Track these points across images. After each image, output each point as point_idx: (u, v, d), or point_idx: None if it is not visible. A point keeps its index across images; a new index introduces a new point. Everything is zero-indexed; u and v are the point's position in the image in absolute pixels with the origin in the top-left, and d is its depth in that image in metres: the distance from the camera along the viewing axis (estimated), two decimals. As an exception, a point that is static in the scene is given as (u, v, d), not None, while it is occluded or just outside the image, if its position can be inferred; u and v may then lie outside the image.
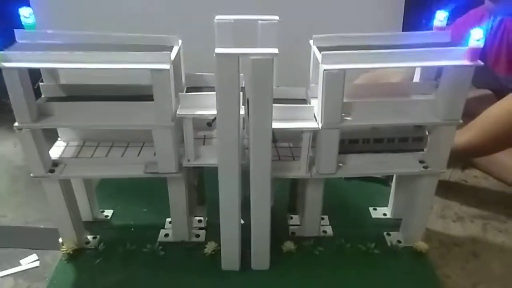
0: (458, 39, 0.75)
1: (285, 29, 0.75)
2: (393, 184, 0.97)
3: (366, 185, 1.08)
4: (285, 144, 0.85)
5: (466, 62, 0.69)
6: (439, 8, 0.79)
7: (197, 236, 0.92)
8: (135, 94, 0.78)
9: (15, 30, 0.74)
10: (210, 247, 0.87)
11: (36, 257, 0.89)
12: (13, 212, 1.02)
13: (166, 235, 0.92)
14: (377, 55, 0.70)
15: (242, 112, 0.69)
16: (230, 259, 0.83)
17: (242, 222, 0.80)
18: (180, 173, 0.80)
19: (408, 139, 0.83)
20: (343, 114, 0.74)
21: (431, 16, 0.80)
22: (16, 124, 0.72)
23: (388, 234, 0.92)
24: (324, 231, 0.93)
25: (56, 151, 0.83)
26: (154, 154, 0.79)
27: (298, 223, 0.95)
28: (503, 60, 1.09)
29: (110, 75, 0.77)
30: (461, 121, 0.75)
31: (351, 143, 0.82)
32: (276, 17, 0.74)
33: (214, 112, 0.68)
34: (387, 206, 1.00)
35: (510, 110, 0.97)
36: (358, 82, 1.11)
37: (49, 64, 0.71)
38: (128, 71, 0.68)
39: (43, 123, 0.74)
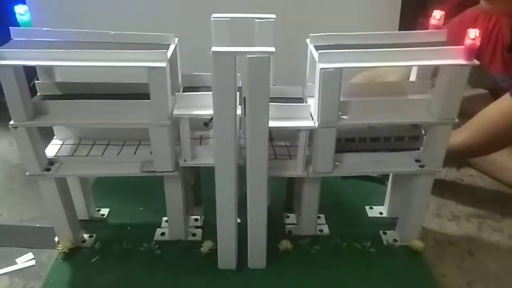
0: (454, 38, 0.75)
1: (282, 28, 0.75)
2: (389, 183, 0.97)
3: (363, 184, 1.08)
4: (282, 143, 0.85)
5: (462, 62, 0.70)
6: (436, 8, 0.79)
7: (194, 235, 0.92)
8: (132, 92, 0.78)
9: (10, 27, 0.74)
10: (206, 246, 0.87)
11: (32, 256, 0.88)
12: (8, 210, 1.02)
13: (163, 233, 0.92)
14: (374, 54, 0.70)
15: (238, 112, 0.69)
16: (226, 258, 0.83)
17: (239, 221, 0.80)
18: (177, 172, 0.80)
19: (404, 138, 0.83)
20: (339, 113, 0.74)
21: (427, 16, 0.80)
22: (11, 122, 0.72)
23: (384, 233, 0.93)
24: (321, 230, 0.93)
25: (52, 149, 0.83)
26: (151, 152, 0.78)
27: (295, 222, 0.95)
28: (498, 59, 1.09)
29: (106, 73, 0.77)
30: (457, 120, 0.76)
31: (348, 142, 0.82)
32: (273, 16, 0.74)
33: (210, 112, 0.68)
34: (383, 205, 1.00)
35: (506, 111, 0.97)
36: (354, 81, 1.12)
37: (44, 62, 0.71)
38: (124, 69, 0.68)
39: (39, 121, 0.73)
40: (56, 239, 0.87)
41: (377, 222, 0.97)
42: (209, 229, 0.88)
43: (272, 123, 0.69)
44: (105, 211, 0.98)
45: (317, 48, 0.73)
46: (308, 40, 0.78)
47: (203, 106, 0.73)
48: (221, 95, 0.65)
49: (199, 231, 0.92)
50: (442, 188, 1.09)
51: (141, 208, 1.00)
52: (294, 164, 0.80)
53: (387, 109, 0.77)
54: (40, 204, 0.95)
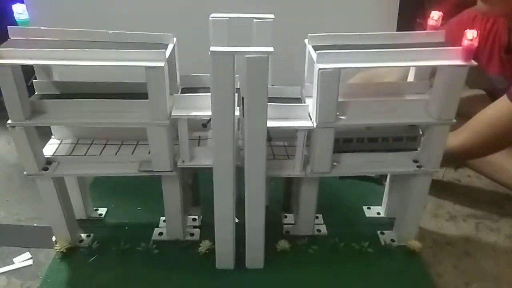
0: (452, 39, 0.75)
1: (280, 28, 0.75)
2: (387, 183, 0.97)
3: (360, 184, 1.08)
4: (280, 143, 0.85)
5: (460, 62, 0.70)
6: (433, 8, 0.79)
7: (192, 234, 0.91)
8: (130, 91, 0.78)
9: (8, 26, 0.74)
10: (204, 246, 0.87)
11: (29, 256, 0.88)
12: (6, 210, 1.01)
13: (160, 233, 0.92)
14: (372, 55, 0.70)
15: (237, 113, 0.69)
16: (224, 257, 0.83)
17: (237, 221, 0.80)
18: (175, 172, 0.80)
19: (402, 139, 0.83)
20: (337, 113, 0.74)
21: (425, 16, 0.80)
22: (9, 121, 0.72)
23: (382, 233, 0.93)
24: (318, 230, 0.93)
25: (49, 149, 0.83)
26: (149, 152, 0.78)
27: (293, 222, 0.95)
28: (495, 60, 1.10)
29: (104, 73, 0.77)
30: (454, 121, 0.76)
31: (346, 142, 0.82)
32: (272, 16, 0.74)
33: (209, 113, 0.68)
34: (381, 205, 1.00)
35: (504, 113, 0.97)
36: (352, 81, 1.12)
37: (42, 61, 0.71)
38: (123, 69, 0.67)
39: (37, 120, 0.73)
40: (54, 238, 0.87)
41: (375, 222, 0.97)
42: (207, 229, 0.88)
43: (270, 123, 0.69)
44: (103, 211, 0.98)
45: (316, 48, 0.73)
46: (306, 40, 0.78)
47: (201, 107, 0.73)
48: (219, 95, 0.65)
49: (197, 231, 0.92)
50: (439, 188, 1.09)
51: (139, 208, 1.00)
52: (292, 164, 0.80)
53: (385, 110, 0.77)
54: (37, 204, 0.95)
